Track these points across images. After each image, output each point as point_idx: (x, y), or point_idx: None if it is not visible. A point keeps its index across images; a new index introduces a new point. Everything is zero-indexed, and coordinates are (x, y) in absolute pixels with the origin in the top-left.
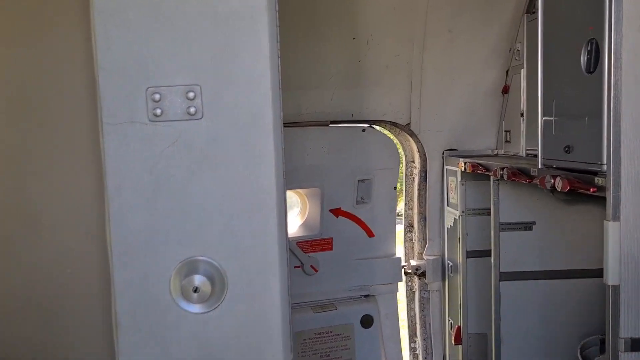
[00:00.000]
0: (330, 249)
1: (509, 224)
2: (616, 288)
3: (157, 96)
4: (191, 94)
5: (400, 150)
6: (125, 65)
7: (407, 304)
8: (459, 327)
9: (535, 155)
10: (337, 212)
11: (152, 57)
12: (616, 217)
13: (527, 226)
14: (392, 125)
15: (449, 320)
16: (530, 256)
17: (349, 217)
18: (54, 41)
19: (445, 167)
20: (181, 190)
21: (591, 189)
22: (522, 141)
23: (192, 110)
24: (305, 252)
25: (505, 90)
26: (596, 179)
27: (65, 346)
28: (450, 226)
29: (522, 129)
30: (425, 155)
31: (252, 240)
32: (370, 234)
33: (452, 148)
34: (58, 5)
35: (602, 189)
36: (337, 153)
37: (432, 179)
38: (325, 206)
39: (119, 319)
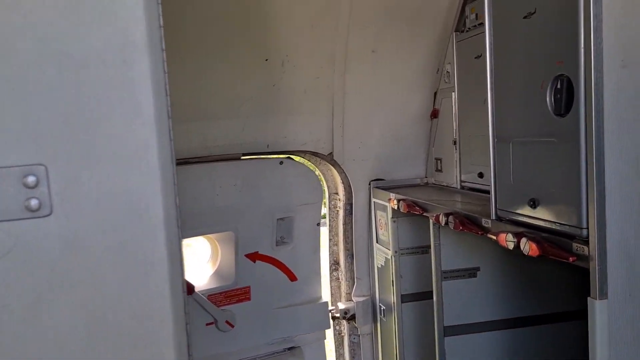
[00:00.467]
0: (248, 299)
1: (452, 271)
2: None
3: None
4: (31, 179)
5: (323, 182)
6: None
7: (336, 350)
8: None
9: (473, 190)
10: (254, 256)
11: None
12: (603, 294)
13: (472, 272)
14: (313, 155)
15: None
16: (477, 306)
17: (267, 260)
18: None
19: (373, 200)
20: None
21: (570, 258)
22: (456, 172)
23: (33, 203)
24: (218, 305)
25: (435, 115)
26: (574, 245)
27: None
28: (382, 265)
29: (455, 158)
30: (350, 186)
31: None
32: (292, 277)
33: (379, 178)
34: None
35: (583, 258)
36: (251, 190)
37: (359, 212)
38: (241, 251)
39: None
